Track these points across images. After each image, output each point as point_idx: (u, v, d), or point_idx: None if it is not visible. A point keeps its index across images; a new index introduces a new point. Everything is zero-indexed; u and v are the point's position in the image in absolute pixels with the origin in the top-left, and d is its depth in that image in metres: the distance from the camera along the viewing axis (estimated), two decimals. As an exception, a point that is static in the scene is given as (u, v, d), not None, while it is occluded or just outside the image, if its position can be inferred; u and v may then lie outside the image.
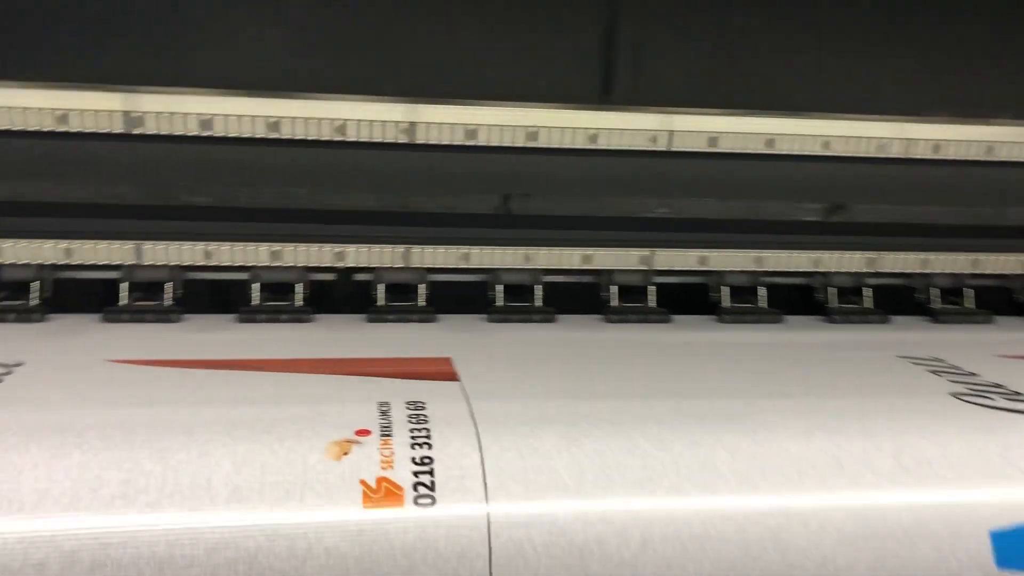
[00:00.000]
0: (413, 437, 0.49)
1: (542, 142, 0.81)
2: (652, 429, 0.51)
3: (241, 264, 0.79)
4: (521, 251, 0.82)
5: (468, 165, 0.81)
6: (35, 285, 0.76)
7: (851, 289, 0.87)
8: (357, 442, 0.48)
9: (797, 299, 0.87)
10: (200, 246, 0.78)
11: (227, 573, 0.44)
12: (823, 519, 0.48)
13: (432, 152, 0.80)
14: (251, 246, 0.79)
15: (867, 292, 0.87)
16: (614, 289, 0.83)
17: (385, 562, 0.44)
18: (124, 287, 0.78)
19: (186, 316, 0.77)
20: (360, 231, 0.81)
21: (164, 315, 0.76)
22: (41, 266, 0.77)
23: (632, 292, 0.83)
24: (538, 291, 0.81)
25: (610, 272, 0.83)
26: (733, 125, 0.84)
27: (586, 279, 0.85)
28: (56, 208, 0.77)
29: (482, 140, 0.80)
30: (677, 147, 0.83)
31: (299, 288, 0.79)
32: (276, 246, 0.79)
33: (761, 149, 0.85)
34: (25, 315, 0.75)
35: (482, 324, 0.79)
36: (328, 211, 0.80)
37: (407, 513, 0.45)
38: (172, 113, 0.76)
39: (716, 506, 0.48)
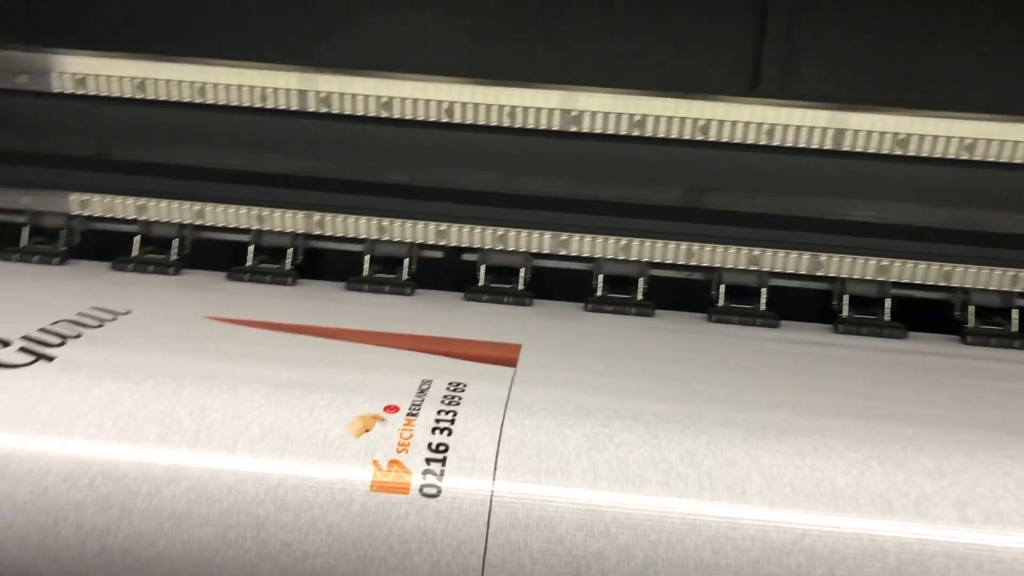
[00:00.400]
0: (437, 421, 0.49)
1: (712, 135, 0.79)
2: (687, 441, 0.48)
3: (362, 237, 0.82)
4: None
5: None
6: (175, 242, 0.83)
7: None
8: (381, 419, 0.49)
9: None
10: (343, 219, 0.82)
11: (236, 536, 0.46)
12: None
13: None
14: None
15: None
16: (721, 289, 0.79)
17: (382, 546, 0.45)
18: (251, 250, 0.82)
19: (301, 281, 0.81)
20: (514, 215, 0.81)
21: (281, 278, 0.80)
22: (181, 225, 0.83)
23: (742, 293, 0.79)
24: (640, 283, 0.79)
25: (719, 270, 0.79)
26: (920, 126, 0.77)
27: (696, 276, 0.81)
28: (255, 177, 0.83)
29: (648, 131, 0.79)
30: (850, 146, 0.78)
31: (407, 263, 0.81)
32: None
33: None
34: (163, 267, 0.81)
35: (578, 313, 0.77)
36: (515, 195, 0.82)
37: (411, 501, 0.45)
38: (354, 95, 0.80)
39: (740, 526, 0.44)
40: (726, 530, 0.44)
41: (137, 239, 0.83)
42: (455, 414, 0.49)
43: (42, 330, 0.58)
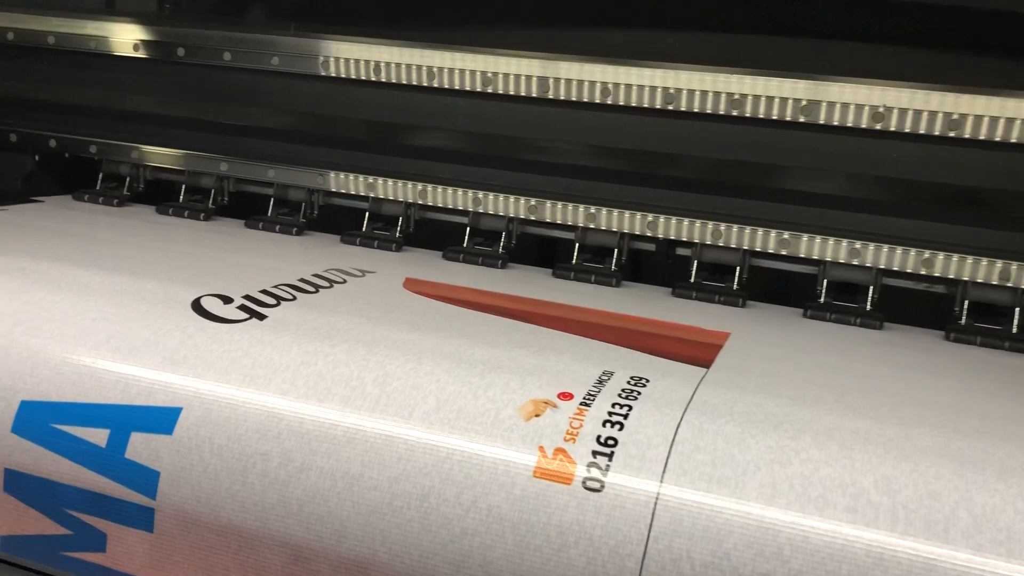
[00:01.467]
0: (611, 413, 0.47)
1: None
2: (887, 466, 0.43)
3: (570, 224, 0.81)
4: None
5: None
6: (401, 221, 0.86)
7: None
8: (554, 405, 0.48)
9: None
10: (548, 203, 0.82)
11: (401, 504, 0.46)
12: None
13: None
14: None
15: None
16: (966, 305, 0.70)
17: (539, 535, 0.44)
18: (467, 232, 0.84)
19: (512, 265, 0.82)
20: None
21: (492, 260, 0.81)
22: (407, 204, 0.86)
23: (988, 311, 0.70)
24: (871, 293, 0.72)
25: (964, 284, 0.70)
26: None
27: (936, 288, 0.73)
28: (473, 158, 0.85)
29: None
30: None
31: (616, 253, 0.79)
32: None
33: None
34: (386, 243, 0.85)
35: (794, 319, 0.71)
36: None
37: (573, 493, 0.44)
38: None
39: (936, 568, 0.39)
40: (919, 570, 0.39)
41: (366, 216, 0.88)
42: (630, 408, 0.47)
43: (263, 291, 0.62)
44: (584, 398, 0.48)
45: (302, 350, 0.53)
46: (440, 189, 0.84)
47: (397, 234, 0.86)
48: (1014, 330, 0.69)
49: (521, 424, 0.47)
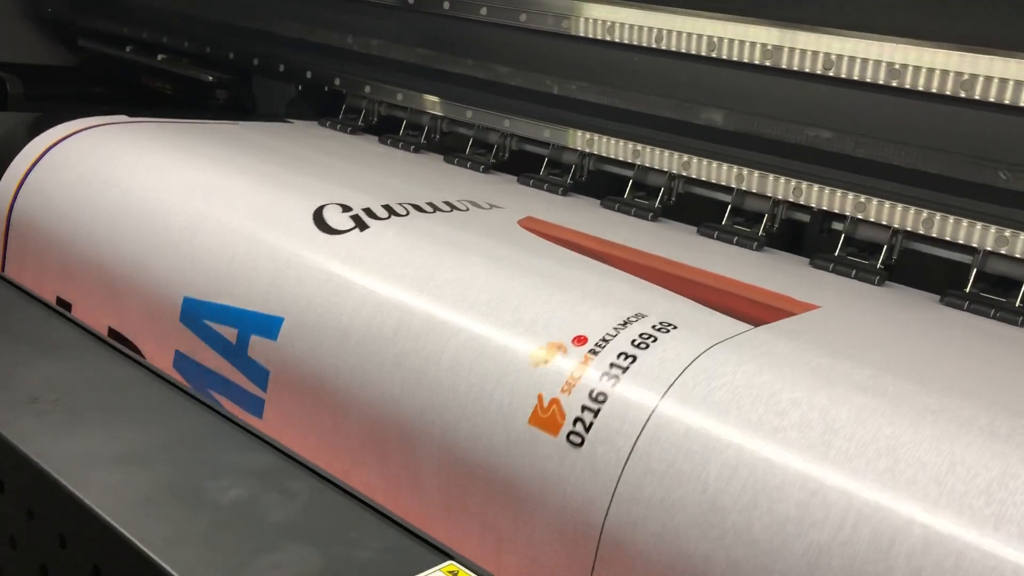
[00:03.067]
0: (612, 364, 0.49)
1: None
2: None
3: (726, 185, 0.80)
4: None
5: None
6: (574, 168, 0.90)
7: None
8: (564, 351, 0.50)
9: None
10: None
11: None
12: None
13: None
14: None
15: None
16: None
17: (523, 481, 0.48)
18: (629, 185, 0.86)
19: (663, 220, 0.83)
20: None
21: (643, 212, 0.83)
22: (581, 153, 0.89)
23: None
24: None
25: None
26: None
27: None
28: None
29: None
30: None
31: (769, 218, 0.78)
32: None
33: None
34: (554, 188, 0.89)
35: (926, 303, 0.67)
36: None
37: (556, 444, 0.47)
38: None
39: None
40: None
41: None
42: (635, 359, 0.49)
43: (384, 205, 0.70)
44: (599, 343, 0.50)
45: (401, 247, 0.61)
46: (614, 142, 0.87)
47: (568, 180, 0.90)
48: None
49: (528, 370, 0.50)
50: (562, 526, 0.47)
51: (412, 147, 1.02)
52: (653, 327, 0.51)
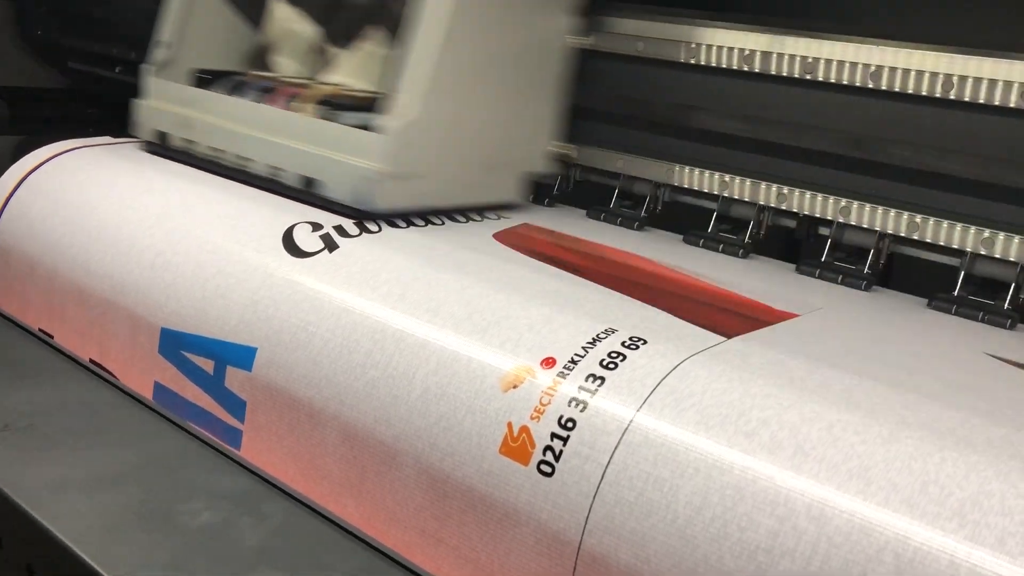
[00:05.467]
0: (581, 386, 0.48)
1: None
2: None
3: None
4: None
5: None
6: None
7: None
8: (532, 375, 0.49)
9: None
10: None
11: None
12: None
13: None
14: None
15: None
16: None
17: (498, 512, 0.47)
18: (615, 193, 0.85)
19: (651, 230, 0.82)
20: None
21: (629, 222, 0.82)
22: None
23: None
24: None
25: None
26: None
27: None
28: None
29: None
30: None
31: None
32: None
33: None
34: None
35: (913, 307, 0.66)
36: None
37: (527, 474, 0.46)
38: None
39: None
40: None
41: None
42: (603, 380, 0.48)
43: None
44: (568, 364, 0.49)
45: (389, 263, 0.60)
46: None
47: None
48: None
49: (499, 395, 0.50)
50: (537, 556, 0.46)
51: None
52: (623, 343, 0.50)
